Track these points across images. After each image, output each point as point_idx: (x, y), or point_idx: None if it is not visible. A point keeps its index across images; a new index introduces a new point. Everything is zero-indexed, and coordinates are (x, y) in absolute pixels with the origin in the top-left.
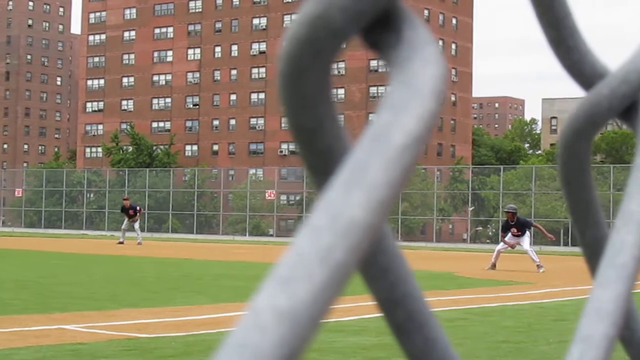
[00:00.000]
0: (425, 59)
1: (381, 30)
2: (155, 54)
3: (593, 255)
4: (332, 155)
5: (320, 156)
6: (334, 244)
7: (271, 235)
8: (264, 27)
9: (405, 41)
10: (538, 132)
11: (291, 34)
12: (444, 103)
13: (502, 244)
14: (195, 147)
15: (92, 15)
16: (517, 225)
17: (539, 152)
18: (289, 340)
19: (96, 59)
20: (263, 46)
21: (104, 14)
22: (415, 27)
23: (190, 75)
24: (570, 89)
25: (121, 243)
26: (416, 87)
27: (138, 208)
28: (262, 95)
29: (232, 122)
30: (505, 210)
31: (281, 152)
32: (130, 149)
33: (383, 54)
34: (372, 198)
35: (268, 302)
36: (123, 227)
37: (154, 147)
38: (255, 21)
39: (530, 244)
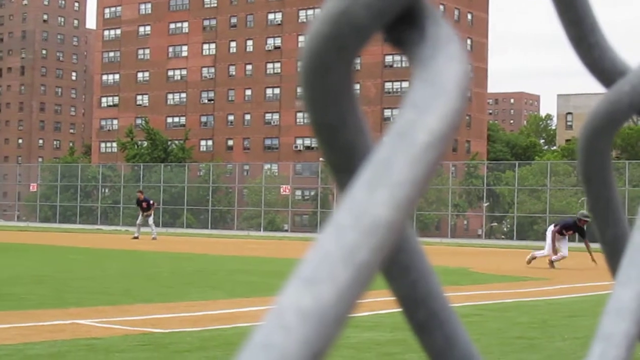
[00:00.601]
0: (449, 56)
1: (404, 27)
2: (170, 49)
3: (613, 254)
4: (355, 152)
5: (343, 153)
6: (358, 243)
7: (286, 231)
8: (279, 22)
9: (428, 38)
10: (553, 127)
11: (314, 30)
12: (468, 101)
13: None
14: (210, 142)
15: (107, 10)
16: (581, 232)
17: (554, 147)
18: (314, 341)
19: (111, 54)
20: (278, 41)
21: (119, 8)
22: (438, 24)
23: (205, 70)
24: (585, 85)
25: (136, 238)
26: (440, 85)
27: (152, 202)
28: (277, 91)
29: (247, 117)
30: (584, 217)
31: (296, 147)
32: (145, 144)
33: (406, 51)
34: (397, 197)
35: (292, 302)
36: (138, 222)
37: (169, 142)
38: (271, 16)
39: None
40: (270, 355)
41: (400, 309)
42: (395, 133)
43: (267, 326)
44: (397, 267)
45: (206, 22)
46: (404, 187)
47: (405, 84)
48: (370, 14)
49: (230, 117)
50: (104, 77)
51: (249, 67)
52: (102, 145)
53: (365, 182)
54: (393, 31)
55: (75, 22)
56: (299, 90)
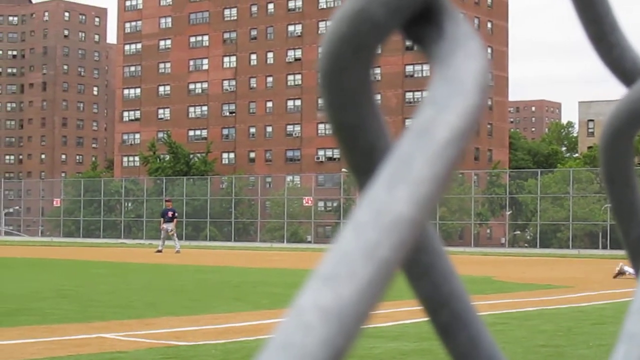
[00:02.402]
0: (468, 54)
1: (422, 25)
2: (191, 63)
3: (637, 255)
4: (375, 152)
5: (363, 154)
6: (378, 241)
7: (309, 242)
8: (299, 34)
9: (447, 36)
10: (575, 135)
11: (332, 29)
12: (487, 97)
13: None
14: (232, 155)
15: (127, 25)
16: None
17: (576, 155)
18: (334, 339)
19: (132, 68)
20: (298, 53)
21: (139, 23)
22: (457, 22)
23: (226, 83)
24: (607, 92)
25: (159, 252)
26: (459, 82)
27: (176, 213)
28: (298, 102)
29: (269, 129)
30: None
31: (318, 158)
32: (168, 157)
33: (425, 49)
34: (417, 193)
35: (312, 300)
36: (163, 235)
37: (191, 155)
38: (291, 28)
39: None
40: (291, 355)
41: (423, 311)
42: (415, 130)
43: (287, 325)
44: (419, 267)
45: (226, 35)
46: (424, 184)
47: (426, 94)
48: (387, 12)
49: (252, 130)
50: (126, 91)
51: (269, 79)
52: (125, 159)
53: (386, 179)
54: (411, 29)
55: (96, 37)
56: (320, 101)
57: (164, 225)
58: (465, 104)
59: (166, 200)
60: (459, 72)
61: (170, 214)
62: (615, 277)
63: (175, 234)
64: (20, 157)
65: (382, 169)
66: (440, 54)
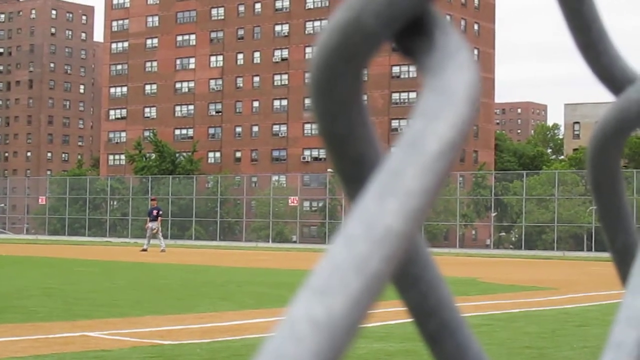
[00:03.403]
0: (459, 65)
1: (414, 36)
2: (178, 62)
3: (623, 262)
4: (365, 162)
5: (353, 163)
6: (369, 253)
7: (294, 242)
8: (286, 34)
9: (438, 47)
10: (561, 137)
11: (323, 39)
12: (478, 109)
13: None
14: (218, 154)
15: (114, 23)
16: None
17: (562, 157)
18: (326, 351)
19: (119, 67)
20: (285, 53)
21: (126, 21)
22: (448, 33)
23: (212, 82)
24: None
25: (144, 250)
26: (450, 93)
27: (160, 212)
28: (284, 102)
29: (255, 128)
30: None
31: (304, 158)
32: (153, 156)
33: (416, 60)
34: (408, 206)
35: (304, 312)
36: (148, 234)
37: (177, 155)
38: (277, 28)
39: None
40: None
41: (411, 320)
42: (405, 142)
43: (279, 336)
44: (408, 277)
45: (213, 35)
46: (414, 196)
47: (412, 95)
48: (379, 23)
49: (238, 129)
50: (112, 89)
51: (256, 79)
52: (111, 157)
53: (376, 191)
54: (402, 40)
55: (83, 35)
56: (306, 101)
57: (149, 224)
58: (455, 116)
59: (151, 199)
60: (449, 83)
61: (155, 212)
62: None
63: (160, 233)
64: (6, 154)
65: (372, 181)
66: (430, 65)
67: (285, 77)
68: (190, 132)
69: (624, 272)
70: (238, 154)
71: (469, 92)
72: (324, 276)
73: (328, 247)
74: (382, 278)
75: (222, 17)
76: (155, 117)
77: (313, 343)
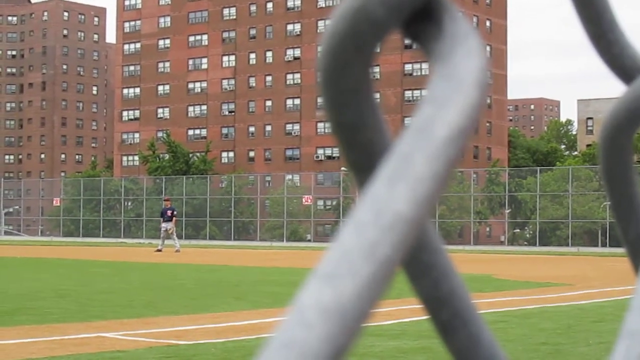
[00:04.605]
0: (467, 51)
1: (422, 23)
2: (190, 62)
3: (637, 253)
4: (374, 150)
5: (362, 152)
6: (379, 239)
7: (309, 241)
8: (298, 33)
9: (446, 33)
10: (574, 133)
11: (331, 28)
12: (486, 95)
13: None
14: (231, 154)
15: (126, 24)
16: None
17: (575, 153)
18: (336, 337)
19: (131, 68)
20: (297, 52)
21: (138, 22)
22: (456, 20)
23: (225, 82)
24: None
25: (159, 251)
26: (459, 80)
27: (175, 212)
28: (297, 101)
29: (268, 128)
30: None
31: (317, 157)
32: (167, 156)
33: (424, 47)
34: (417, 192)
35: (313, 298)
36: (162, 234)
37: (191, 155)
38: (290, 27)
39: None
40: (292, 353)
41: (423, 309)
42: (414, 128)
43: (289, 323)
44: (419, 265)
45: (225, 34)
46: (424, 182)
47: (425, 92)
48: (387, 10)
49: (251, 129)
50: (125, 90)
51: (268, 78)
52: (124, 158)
53: (385, 178)
54: (411, 27)
55: (95, 36)
56: (319, 100)
57: (163, 225)
58: (464, 102)
59: (165, 200)
60: (458, 70)
61: (169, 213)
62: None
63: (174, 233)
64: (20, 156)
65: (382, 167)
66: (439, 52)
67: (297, 76)
68: (204, 132)
69: (637, 262)
70: (251, 154)
71: (478, 78)
72: (333, 262)
73: (339, 232)
74: (392, 264)
75: (234, 17)
76: (168, 117)
77: (323, 329)
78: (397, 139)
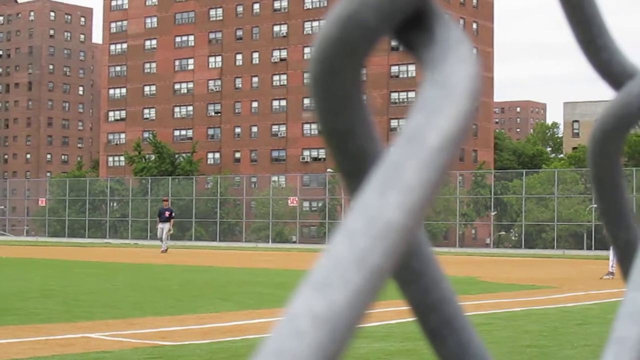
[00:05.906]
0: (459, 59)
1: (413, 30)
2: (177, 62)
3: (625, 258)
4: (366, 157)
5: (353, 159)
6: (370, 248)
7: (294, 242)
8: (284, 34)
9: (438, 41)
10: (560, 135)
11: (323, 34)
12: (478, 102)
13: None
14: (217, 155)
15: (113, 25)
16: None
17: (561, 155)
18: (327, 346)
19: (118, 68)
20: (284, 53)
21: (125, 23)
22: (448, 27)
23: (211, 83)
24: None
25: (164, 251)
26: (450, 87)
27: (173, 213)
28: (283, 103)
29: (254, 129)
30: None
31: (303, 158)
32: (153, 157)
33: (416, 54)
34: (408, 200)
35: (305, 307)
36: (159, 235)
37: (176, 155)
38: (276, 28)
39: None
40: None
41: (412, 316)
42: (405, 136)
43: (280, 332)
44: (409, 272)
45: (212, 35)
46: (415, 190)
47: (411, 94)
48: (379, 17)
49: (237, 130)
50: (111, 91)
51: (255, 79)
52: (110, 159)
53: (377, 186)
54: (402, 34)
55: (82, 36)
56: (305, 101)
57: (160, 225)
58: (456, 109)
59: (163, 200)
60: (450, 77)
61: (167, 213)
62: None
63: (169, 234)
64: (6, 156)
65: (373, 175)
66: (431, 59)
67: (284, 77)
68: (190, 133)
69: (626, 268)
70: (237, 155)
71: (470, 85)
72: (324, 271)
73: (330, 241)
74: (383, 272)
75: (221, 18)
76: (154, 118)
77: (314, 338)
78: (387, 146)
